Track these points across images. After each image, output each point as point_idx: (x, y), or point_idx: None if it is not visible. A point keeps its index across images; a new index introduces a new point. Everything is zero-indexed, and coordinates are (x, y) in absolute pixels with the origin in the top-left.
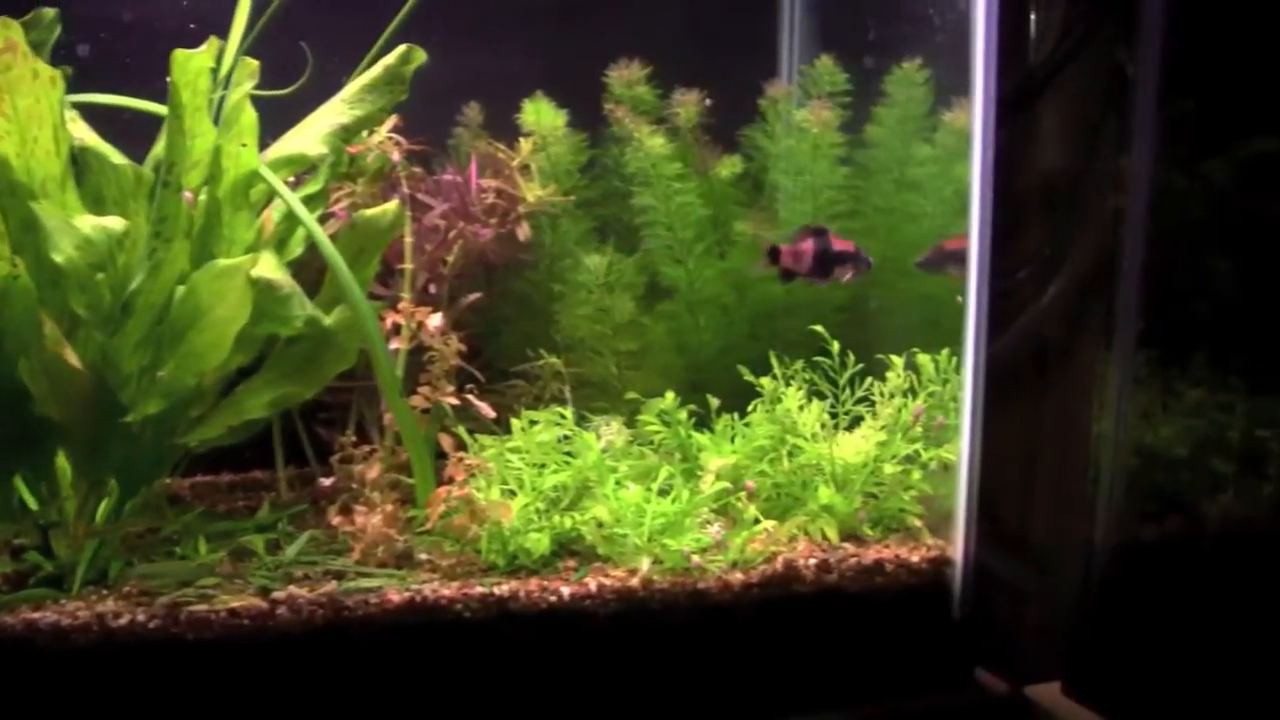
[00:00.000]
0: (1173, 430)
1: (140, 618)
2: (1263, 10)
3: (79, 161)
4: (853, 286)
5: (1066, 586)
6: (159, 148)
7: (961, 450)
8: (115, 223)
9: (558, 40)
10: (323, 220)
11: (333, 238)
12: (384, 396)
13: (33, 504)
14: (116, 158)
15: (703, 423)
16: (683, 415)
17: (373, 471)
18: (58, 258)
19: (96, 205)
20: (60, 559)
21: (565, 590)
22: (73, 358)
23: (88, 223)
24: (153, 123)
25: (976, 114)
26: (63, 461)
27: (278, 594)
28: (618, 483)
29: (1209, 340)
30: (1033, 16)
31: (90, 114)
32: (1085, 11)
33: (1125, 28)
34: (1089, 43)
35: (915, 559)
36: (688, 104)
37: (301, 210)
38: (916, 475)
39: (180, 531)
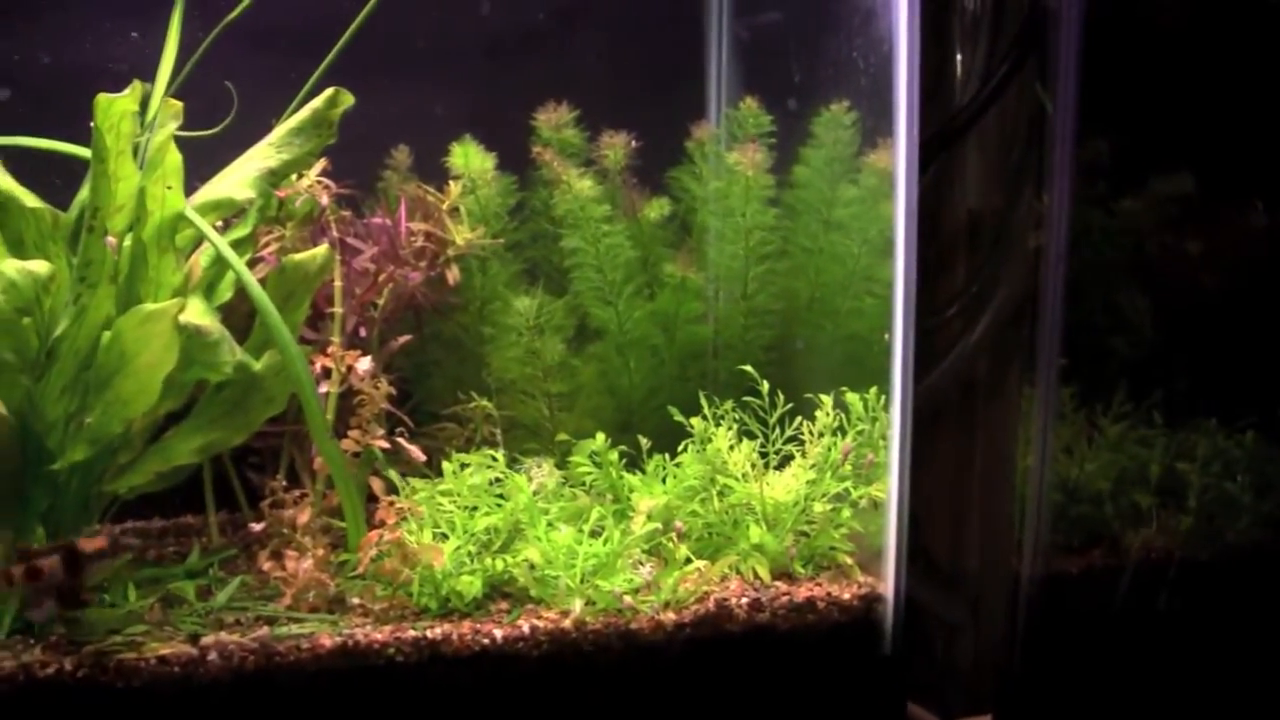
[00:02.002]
0: (1096, 464)
1: (67, 666)
2: (1177, 49)
3: None
4: (781, 327)
5: (996, 621)
6: (84, 192)
7: (890, 487)
8: (40, 266)
9: (485, 83)
10: (251, 264)
11: (262, 282)
12: (314, 440)
13: None
14: (31, 200)
15: (634, 463)
16: (614, 456)
17: (303, 516)
18: None
19: (17, 249)
20: None
21: (498, 633)
22: None
23: (12, 267)
24: (84, 168)
25: (900, 155)
26: None
27: (207, 640)
28: (549, 525)
29: (1129, 375)
30: (957, 58)
31: (15, 160)
32: (1007, 53)
33: (1045, 68)
34: (1011, 84)
35: (846, 596)
36: (615, 146)
37: (229, 253)
38: (846, 513)
39: (109, 578)
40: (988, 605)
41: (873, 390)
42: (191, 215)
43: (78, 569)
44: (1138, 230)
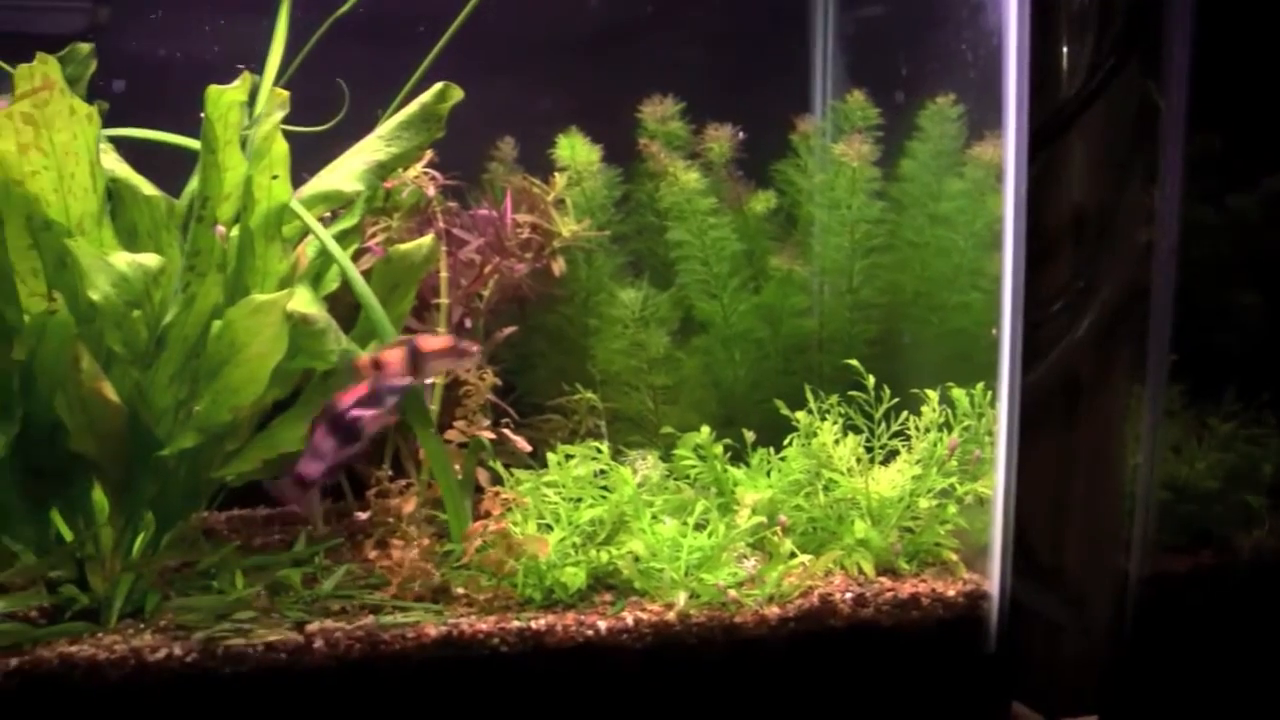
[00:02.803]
0: (1205, 463)
1: (177, 651)
2: None
3: (112, 194)
4: (885, 321)
5: (1101, 620)
6: (194, 182)
7: (996, 483)
8: (151, 259)
9: (590, 75)
10: (358, 255)
11: (368, 273)
12: (416, 432)
13: (69, 537)
14: (148, 189)
15: (738, 457)
16: (718, 449)
17: (409, 505)
18: (94, 295)
19: (130, 238)
20: (96, 592)
21: (602, 624)
22: (110, 392)
23: (123, 260)
24: (192, 158)
25: (1009, 148)
26: (99, 495)
27: (313, 628)
28: (654, 517)
29: (1240, 373)
30: (1063, 51)
31: (128, 149)
32: (1114, 46)
33: (1153, 62)
34: (1118, 77)
35: (951, 593)
36: (721, 139)
37: (332, 245)
38: (952, 509)
39: (216, 565)
40: (1092, 604)
41: (979, 386)
42: (296, 207)
43: (419, 364)
44: (1249, 225)
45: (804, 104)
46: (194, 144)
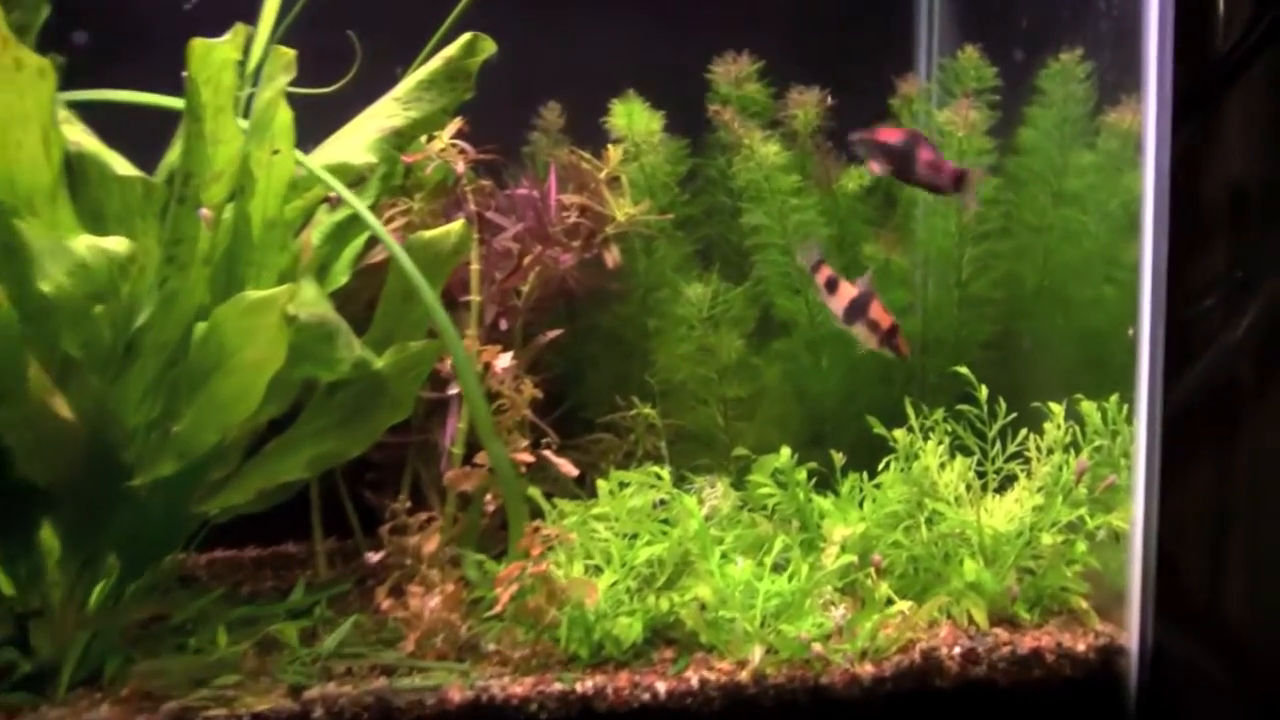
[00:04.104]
0: None
1: None
2: None
3: (75, 171)
4: (1001, 320)
5: (1268, 675)
6: (173, 155)
7: (1134, 515)
8: (117, 244)
9: (653, 31)
10: (372, 244)
11: (385, 264)
12: (482, 440)
13: (8, 588)
14: (121, 167)
15: (825, 483)
16: (801, 475)
17: (430, 544)
18: (46, 286)
19: (95, 223)
20: (41, 655)
21: (661, 686)
22: (63, 407)
23: (83, 244)
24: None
25: (1149, 113)
26: (49, 535)
27: (313, 693)
28: (724, 556)
29: None
30: None
31: (90, 117)
32: None
33: None
34: None
35: (1081, 647)
36: (806, 105)
37: (374, 222)
38: (1081, 546)
39: (194, 619)
40: (1257, 656)
41: (1113, 398)
42: (322, 175)
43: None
44: None
45: (906, 62)
46: (178, 103)
